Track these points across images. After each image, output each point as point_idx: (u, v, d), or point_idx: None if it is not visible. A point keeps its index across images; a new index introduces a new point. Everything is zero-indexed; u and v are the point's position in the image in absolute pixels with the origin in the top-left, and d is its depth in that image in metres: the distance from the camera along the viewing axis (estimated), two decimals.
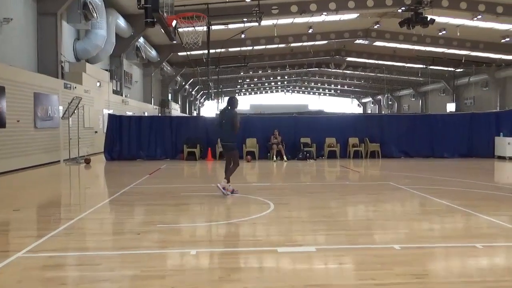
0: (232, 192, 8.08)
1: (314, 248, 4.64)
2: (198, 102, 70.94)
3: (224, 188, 7.89)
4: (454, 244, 4.89)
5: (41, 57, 15.84)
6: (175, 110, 45.98)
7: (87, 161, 15.14)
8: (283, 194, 8.32)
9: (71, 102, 15.28)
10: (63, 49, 18.02)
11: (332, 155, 16.78)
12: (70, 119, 16.18)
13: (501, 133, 16.17)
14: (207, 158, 16.35)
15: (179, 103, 51.92)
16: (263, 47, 37.12)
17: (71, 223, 5.89)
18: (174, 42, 30.43)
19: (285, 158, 16.14)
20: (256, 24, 27.79)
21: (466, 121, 17.18)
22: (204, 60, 34.29)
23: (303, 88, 74.07)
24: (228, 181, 7.99)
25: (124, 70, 27.52)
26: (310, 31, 31.91)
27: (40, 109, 14.29)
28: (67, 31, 18.62)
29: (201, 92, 63.83)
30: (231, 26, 29.14)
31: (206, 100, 65.22)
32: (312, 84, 68.16)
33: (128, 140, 16.50)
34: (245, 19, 26.86)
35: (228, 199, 7.72)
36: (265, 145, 16.66)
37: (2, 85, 11.99)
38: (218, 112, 8.72)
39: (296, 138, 16.96)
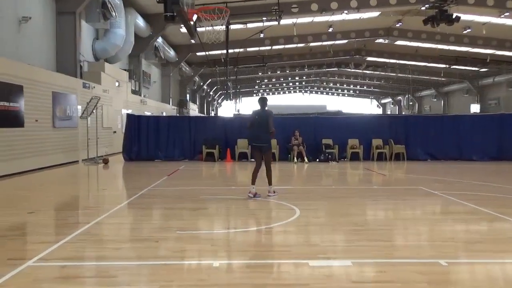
0: (255, 195, 7.70)
1: (350, 262, 4.19)
2: (216, 102, 70.92)
3: (274, 192, 7.85)
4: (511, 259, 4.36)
5: (60, 56, 15.74)
6: (193, 110, 45.89)
7: (105, 162, 14.95)
8: (308, 199, 7.86)
9: (89, 101, 15.13)
10: (82, 49, 17.94)
11: (355, 157, 16.23)
12: (89, 119, 16.07)
13: None
14: (226, 159, 16.00)
15: (197, 103, 51.85)
16: (282, 46, 36.65)
17: (86, 228, 5.57)
18: (193, 41, 30.42)
19: (306, 159, 15.66)
20: (276, 23, 27.40)
21: (495, 122, 16.40)
22: (223, 60, 34.17)
23: (322, 89, 73.31)
24: (271, 184, 7.88)
25: (143, 70, 27.44)
26: (330, 30, 31.30)
27: (58, 109, 14.16)
28: (86, 31, 18.53)
29: (219, 93, 63.78)
30: (250, 25, 28.83)
31: (224, 101, 64.98)
32: (331, 84, 67.33)
33: (147, 141, 16.27)
34: (264, 18, 26.50)
35: (250, 203, 7.32)
36: (286, 146, 16.21)
37: (21, 84, 11.86)
38: (252, 113, 8.37)
39: (317, 139, 16.47)
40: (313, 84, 67.71)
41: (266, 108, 8.00)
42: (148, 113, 23.24)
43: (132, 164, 15.19)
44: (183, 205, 7.19)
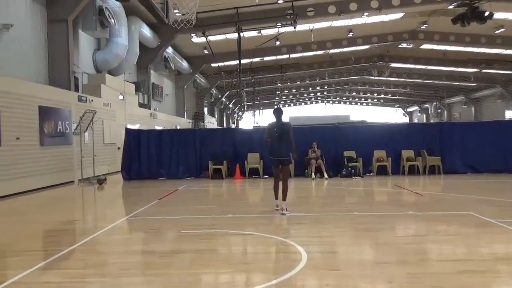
0: (283, 210, 7.35)
1: None
2: (236, 115, 69.57)
3: (286, 209, 7.38)
4: None
5: (52, 67, 14.44)
6: (211, 123, 44.52)
7: (100, 182, 13.43)
8: (322, 232, 6.02)
9: (82, 116, 13.75)
10: (81, 60, 16.70)
11: (382, 171, 14.23)
12: (86, 134, 14.69)
13: None
14: (235, 176, 14.27)
15: (216, 116, 50.54)
16: (300, 54, 35.00)
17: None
18: (205, 51, 29.10)
19: (325, 175, 13.76)
20: (291, 28, 25.76)
21: None
22: (238, 70, 32.75)
23: (344, 98, 71.02)
24: (285, 199, 7.50)
25: (153, 83, 26.21)
26: (350, 35, 29.46)
27: (47, 125, 12.77)
28: (85, 41, 17.31)
29: (238, 105, 62.45)
30: (264, 32, 27.31)
31: (244, 113, 63.59)
32: (354, 93, 65.03)
33: (147, 157, 14.71)
34: (278, 24, 24.93)
35: (241, 242, 5.55)
36: (302, 160, 14.35)
37: None
38: (268, 125, 7.84)
39: (339, 151, 14.56)
40: (335, 93, 65.60)
41: (283, 119, 7.70)
42: (159, 128, 21.84)
43: (130, 184, 13.62)
44: (153, 246, 5.44)
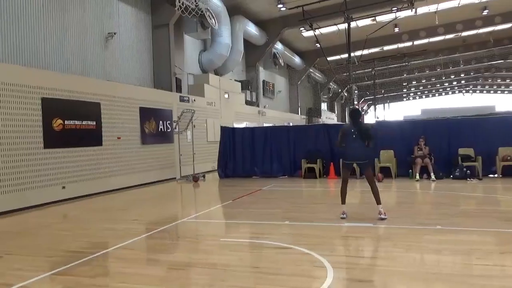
0: (343, 214, 6.83)
1: None
2: (360, 109, 66.72)
3: (384, 213, 6.70)
4: None
5: (157, 71, 15.37)
6: (330, 119, 43.31)
7: (195, 180, 13.83)
8: (376, 251, 4.94)
9: (180, 115, 14.32)
10: (187, 62, 17.55)
11: (508, 172, 11.79)
12: (188, 133, 15.34)
13: None
14: (328, 175, 13.34)
15: (336, 111, 49.11)
16: (426, 41, 31.61)
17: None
18: (318, 45, 28.19)
19: (432, 176, 11.93)
20: (409, 11, 23.38)
21: None
22: (356, 63, 31.05)
23: (487, 87, 62.40)
24: (379, 202, 6.82)
25: (264, 80, 26.38)
26: (484, 13, 25.44)
27: (147, 124, 13.61)
28: (191, 44, 18.12)
29: (362, 99, 59.68)
30: (379, 18, 25.26)
31: (365, 106, 60.57)
32: (499, 80, 56.62)
33: (242, 155, 14.70)
34: (394, 8, 22.75)
35: (262, 259, 4.83)
36: (406, 159, 12.71)
37: (97, 101, 11.49)
38: (344, 128, 7.24)
39: (452, 149, 12.52)
40: (474, 82, 58.08)
41: (359, 120, 7.16)
42: (267, 125, 21.86)
43: (222, 182, 13.74)
44: (165, 256, 5.10)
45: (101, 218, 7.86)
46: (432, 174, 11.98)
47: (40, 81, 9.76)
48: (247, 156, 14.62)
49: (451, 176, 12.08)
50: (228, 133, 14.94)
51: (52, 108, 9.97)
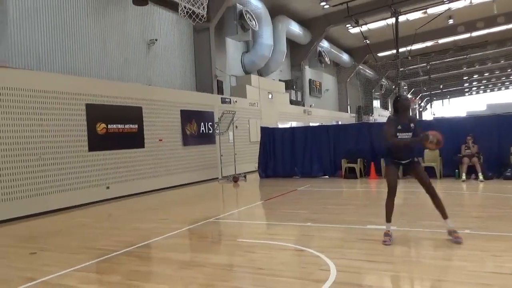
0: (386, 236, 5.32)
1: None
2: (417, 105, 63.98)
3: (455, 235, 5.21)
4: None
5: (199, 74, 15.79)
6: (383, 116, 41.97)
7: (235, 180, 14.04)
8: (394, 256, 4.78)
9: (221, 117, 14.61)
10: (229, 64, 17.87)
11: None
12: (230, 134, 15.62)
13: None
14: (369, 175, 12.99)
15: (389, 109, 47.49)
16: (485, 31, 29.67)
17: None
18: (367, 41, 27.42)
19: (480, 176, 11.24)
20: (463, 1, 22.16)
21: None
22: (409, 58, 29.91)
23: None
24: (447, 215, 5.37)
25: (310, 79, 26.16)
26: None
27: (189, 126, 14.03)
28: (233, 46, 18.41)
29: (420, 95, 57.22)
30: (430, 11, 24.11)
31: (430, 103, 57.87)
32: None
33: (282, 155, 14.71)
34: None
35: (268, 261, 4.83)
36: (452, 158, 12.07)
37: (139, 106, 12.03)
38: (390, 119, 5.54)
39: (504, 147, 11.71)
40: None
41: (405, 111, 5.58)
42: (314, 124, 21.68)
43: (262, 182, 13.83)
44: (176, 255, 5.24)
45: (135, 217, 8.24)
46: (480, 174, 11.28)
47: (84, 88, 10.41)
48: (287, 156, 14.61)
49: (502, 176, 11.31)
50: (268, 133, 15.02)
51: (96, 113, 10.60)
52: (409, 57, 30.24)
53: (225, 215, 7.99)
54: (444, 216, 5.36)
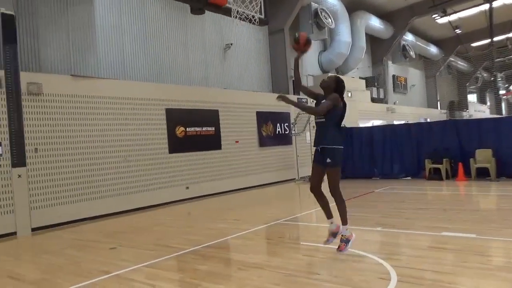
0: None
1: None
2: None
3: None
4: None
5: (274, 75, 15.93)
6: (480, 112, 38.53)
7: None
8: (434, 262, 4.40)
9: (296, 117, 14.58)
10: (306, 64, 17.76)
11: None
12: (307, 134, 15.55)
13: None
14: (457, 177, 12.03)
15: (488, 103, 43.43)
16: None
17: None
18: (458, 31, 25.36)
19: None
20: None
21: None
22: (509, 46, 27.13)
23: None
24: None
25: (394, 75, 24.97)
26: None
27: (265, 128, 14.22)
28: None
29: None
30: None
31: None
32: None
33: (360, 155, 14.24)
34: None
35: (328, 267, 4.67)
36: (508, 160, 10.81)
37: (216, 109, 12.48)
38: None
39: None
40: None
41: None
42: (398, 122, 20.70)
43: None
44: (242, 256, 5.30)
45: (209, 217, 8.57)
46: None
47: (164, 94, 11.09)
48: (366, 157, 14.11)
49: None
50: (346, 133, 14.62)
51: (175, 117, 11.22)
52: (510, 45, 27.47)
53: (296, 216, 7.96)
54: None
